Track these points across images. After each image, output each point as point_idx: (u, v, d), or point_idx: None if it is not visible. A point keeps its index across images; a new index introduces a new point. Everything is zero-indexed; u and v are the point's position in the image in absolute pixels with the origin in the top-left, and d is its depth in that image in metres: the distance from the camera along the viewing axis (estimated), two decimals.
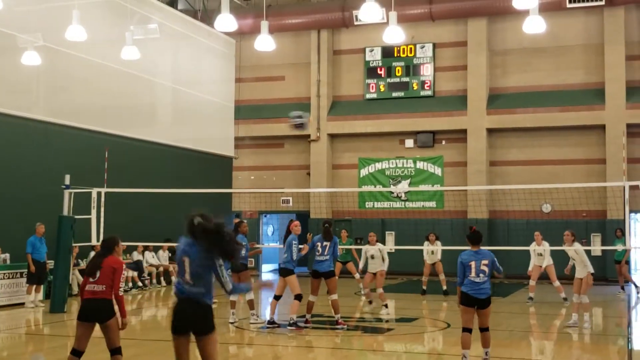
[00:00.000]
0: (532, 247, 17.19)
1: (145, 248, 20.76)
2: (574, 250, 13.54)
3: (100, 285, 7.75)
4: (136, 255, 20.45)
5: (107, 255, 7.90)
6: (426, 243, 18.44)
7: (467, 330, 9.23)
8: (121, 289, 7.94)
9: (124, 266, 8.30)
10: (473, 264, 9.18)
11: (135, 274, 19.94)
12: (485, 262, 9.22)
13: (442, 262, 18.43)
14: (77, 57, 18.58)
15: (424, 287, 18.77)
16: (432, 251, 18.43)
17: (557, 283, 16.92)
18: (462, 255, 9.33)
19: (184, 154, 23.25)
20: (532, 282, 17.12)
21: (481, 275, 9.16)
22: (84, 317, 7.85)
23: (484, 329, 9.41)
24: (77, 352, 7.91)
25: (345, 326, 12.74)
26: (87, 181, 16.39)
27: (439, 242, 18.45)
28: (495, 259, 9.45)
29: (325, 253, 12.92)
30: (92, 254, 18.78)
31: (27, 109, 17.53)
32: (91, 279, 7.81)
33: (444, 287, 18.36)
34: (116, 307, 7.86)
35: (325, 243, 12.96)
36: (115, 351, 7.79)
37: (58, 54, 18.18)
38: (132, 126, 20.88)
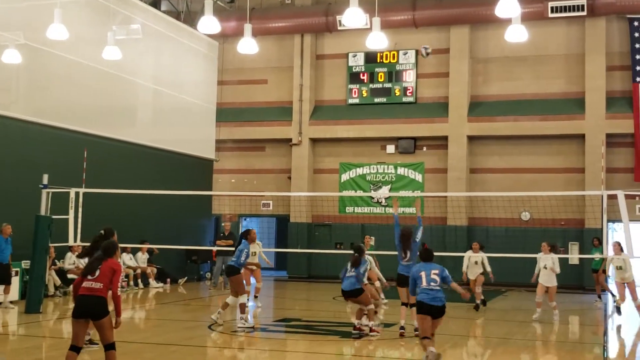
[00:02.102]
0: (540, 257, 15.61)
1: (123, 250, 20.61)
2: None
3: (98, 283, 8.09)
4: None
5: (106, 259, 8.27)
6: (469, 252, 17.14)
7: (426, 338, 9.70)
8: (119, 290, 8.26)
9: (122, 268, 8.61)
10: (423, 274, 9.83)
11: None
12: (435, 271, 9.86)
13: None
14: (58, 56, 18.45)
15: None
16: (476, 262, 16.90)
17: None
18: (412, 268, 10.23)
19: (164, 156, 23.13)
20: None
21: (432, 283, 9.74)
22: (78, 314, 8.11)
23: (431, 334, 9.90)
24: (75, 348, 8.16)
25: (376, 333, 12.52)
26: (65, 181, 16.24)
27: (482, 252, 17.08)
28: (446, 270, 10.04)
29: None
30: (69, 254, 18.69)
31: (6, 107, 17.36)
32: (89, 277, 8.13)
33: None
34: (111, 307, 8.13)
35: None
36: (109, 346, 8.12)
37: (39, 53, 18.03)
38: (112, 126, 20.74)
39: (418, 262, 10.31)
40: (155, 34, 22.79)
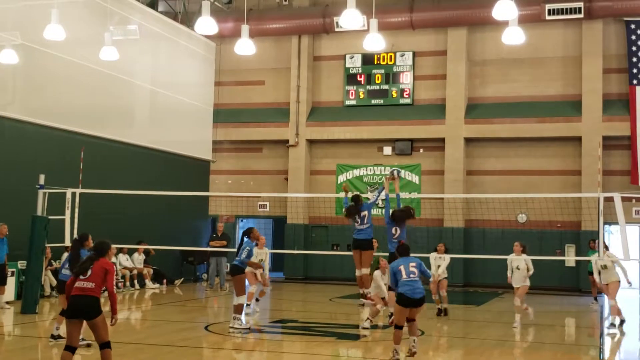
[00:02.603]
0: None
1: (120, 250, 20.61)
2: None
3: (90, 282, 8.13)
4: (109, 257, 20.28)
5: (98, 258, 8.33)
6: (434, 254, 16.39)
7: (399, 327, 10.21)
8: (115, 288, 8.36)
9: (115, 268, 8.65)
10: (402, 267, 10.25)
11: None
12: (413, 264, 10.31)
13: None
14: (55, 56, 18.43)
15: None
16: (439, 265, 16.06)
17: (613, 302, 14.70)
18: (391, 265, 10.59)
19: (161, 156, 23.12)
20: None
21: (412, 275, 10.20)
22: (71, 314, 8.15)
23: (411, 320, 10.45)
24: (70, 348, 8.21)
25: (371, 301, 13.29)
26: (62, 181, 16.22)
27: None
28: (423, 264, 10.58)
29: (365, 222, 13.15)
30: (65, 255, 18.65)
31: (2, 107, 17.33)
32: (81, 277, 8.17)
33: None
34: (107, 307, 8.30)
35: (363, 213, 13.15)
36: (104, 345, 8.18)
37: (36, 53, 18.00)
38: (109, 127, 20.72)
39: (396, 259, 10.67)
40: (152, 35, 22.78)
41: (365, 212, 13.24)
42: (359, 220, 13.15)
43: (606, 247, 15.24)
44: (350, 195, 13.60)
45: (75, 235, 11.07)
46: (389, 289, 12.80)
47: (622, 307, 15.08)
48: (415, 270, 10.26)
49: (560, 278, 23.37)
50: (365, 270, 13.16)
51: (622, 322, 14.78)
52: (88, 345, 10.63)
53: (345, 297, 19.80)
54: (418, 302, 10.23)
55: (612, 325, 14.63)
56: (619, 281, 14.73)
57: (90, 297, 8.08)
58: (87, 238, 10.85)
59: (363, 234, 13.21)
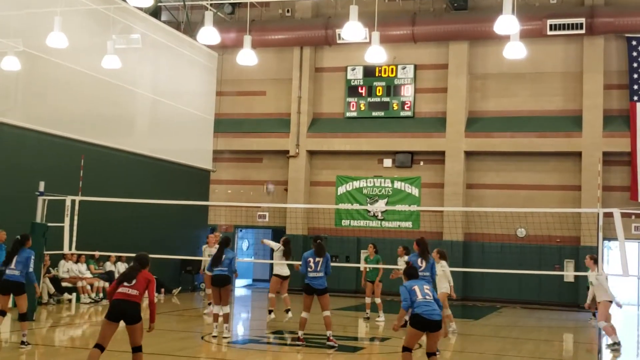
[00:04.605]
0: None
1: (118, 259, 20.58)
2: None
3: (135, 290, 8.67)
4: (108, 266, 20.28)
5: (141, 270, 8.87)
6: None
7: (408, 350, 9.26)
8: (156, 297, 8.97)
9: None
10: (417, 287, 9.32)
11: (107, 284, 19.71)
12: (427, 287, 9.41)
13: None
14: (57, 63, 18.46)
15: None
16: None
17: (603, 323, 14.00)
18: (405, 284, 9.45)
19: (161, 165, 23.12)
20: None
21: (427, 297, 9.27)
22: (113, 317, 8.60)
23: (432, 354, 9.40)
24: (100, 347, 8.61)
25: (336, 345, 12.47)
26: (61, 189, 16.20)
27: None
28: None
29: (318, 269, 12.79)
30: (63, 262, 18.66)
31: (3, 114, 17.34)
32: (126, 283, 8.71)
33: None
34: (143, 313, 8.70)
35: (317, 259, 12.85)
36: (137, 349, 8.65)
37: (38, 60, 18.04)
38: (110, 135, 20.74)
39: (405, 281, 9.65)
40: (154, 44, 22.83)
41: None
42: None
43: (595, 262, 14.21)
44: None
45: (18, 237, 11.81)
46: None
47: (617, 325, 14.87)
48: (429, 293, 9.36)
49: (559, 293, 23.34)
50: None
51: (615, 343, 13.87)
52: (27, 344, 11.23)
53: (343, 309, 19.75)
54: (436, 325, 9.18)
55: (614, 344, 13.82)
56: (610, 301, 13.83)
57: (134, 303, 8.62)
58: (28, 238, 11.91)
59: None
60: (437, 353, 9.35)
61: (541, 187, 24.25)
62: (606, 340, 14.38)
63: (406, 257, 15.31)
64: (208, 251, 16.73)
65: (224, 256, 13.18)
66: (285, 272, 15.77)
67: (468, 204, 24.58)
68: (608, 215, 14.43)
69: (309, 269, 12.82)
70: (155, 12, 25.46)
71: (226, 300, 13.14)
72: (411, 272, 9.75)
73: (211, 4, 23.40)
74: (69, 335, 14.18)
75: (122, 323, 8.72)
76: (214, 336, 13.17)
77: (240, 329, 16.24)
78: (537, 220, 22.28)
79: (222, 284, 13.14)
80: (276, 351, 13.09)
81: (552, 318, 19.88)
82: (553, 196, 23.99)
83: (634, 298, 23.90)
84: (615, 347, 13.81)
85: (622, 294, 24.77)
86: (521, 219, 23.08)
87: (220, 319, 13.19)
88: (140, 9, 21.51)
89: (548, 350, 14.11)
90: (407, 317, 9.43)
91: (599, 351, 14.39)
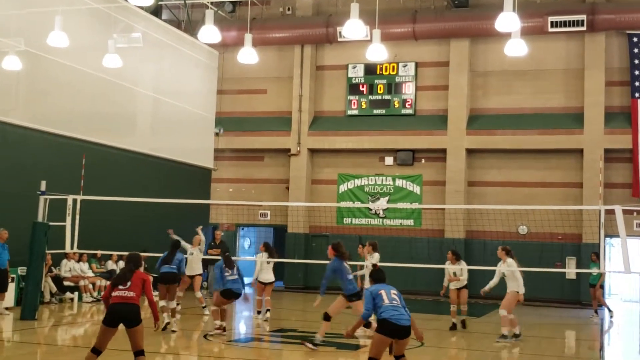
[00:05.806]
0: None
1: (120, 257, 20.56)
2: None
3: (131, 292, 8.50)
4: (110, 265, 20.28)
5: (134, 270, 8.71)
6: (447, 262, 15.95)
7: None
8: (155, 296, 8.87)
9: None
10: (383, 291, 8.79)
11: (109, 283, 19.71)
12: (394, 291, 8.86)
13: (422, 281, 18.01)
14: (58, 63, 18.46)
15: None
16: (455, 273, 15.73)
17: (504, 312, 14.30)
18: (369, 289, 8.98)
19: (162, 164, 23.12)
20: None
21: (394, 302, 8.71)
22: (111, 322, 8.43)
23: (400, 357, 8.90)
24: (97, 351, 8.49)
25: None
26: (63, 188, 16.22)
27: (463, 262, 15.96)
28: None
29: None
30: (65, 261, 18.66)
31: (5, 113, 17.35)
32: (121, 286, 8.55)
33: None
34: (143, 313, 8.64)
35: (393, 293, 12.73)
36: (139, 353, 8.45)
37: (39, 59, 18.04)
38: (111, 134, 20.74)
39: (371, 284, 9.06)
40: (155, 43, 22.83)
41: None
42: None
43: (510, 255, 14.29)
44: None
45: None
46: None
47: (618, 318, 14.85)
48: (397, 297, 8.74)
49: (561, 290, 23.34)
50: None
51: (516, 335, 13.94)
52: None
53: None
54: (405, 332, 8.56)
55: (503, 336, 13.79)
56: (517, 292, 13.96)
57: (133, 305, 8.45)
58: None
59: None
60: (403, 358, 8.81)
61: (543, 185, 24.23)
62: (505, 332, 13.83)
63: (376, 255, 15.36)
64: (191, 250, 17.26)
65: (175, 257, 14.03)
66: (268, 278, 16.18)
67: (469, 202, 24.57)
68: (610, 212, 14.43)
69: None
70: (156, 11, 25.45)
71: (173, 295, 13.88)
72: (378, 276, 9.10)
73: (212, 3, 23.41)
74: (71, 334, 14.20)
75: (121, 326, 8.54)
76: (163, 328, 13.22)
77: (242, 327, 16.24)
78: (539, 217, 22.25)
79: (171, 282, 13.90)
80: (279, 350, 13.10)
81: (553, 315, 19.88)
82: (555, 193, 23.98)
83: (635, 295, 23.88)
84: (506, 340, 13.64)
85: (624, 291, 24.87)
86: (523, 216, 23.07)
87: (169, 314, 13.68)
88: (141, 7, 21.48)
89: (550, 347, 14.11)
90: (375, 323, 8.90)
91: (602, 348, 14.39)
